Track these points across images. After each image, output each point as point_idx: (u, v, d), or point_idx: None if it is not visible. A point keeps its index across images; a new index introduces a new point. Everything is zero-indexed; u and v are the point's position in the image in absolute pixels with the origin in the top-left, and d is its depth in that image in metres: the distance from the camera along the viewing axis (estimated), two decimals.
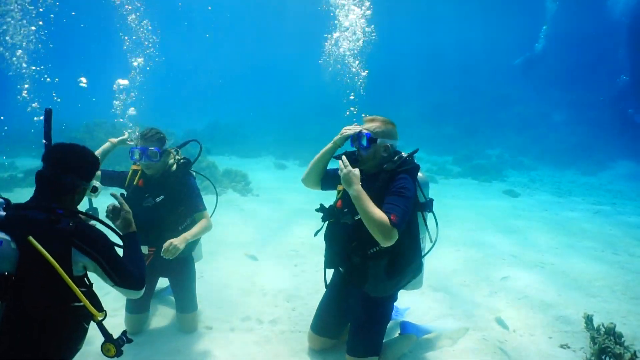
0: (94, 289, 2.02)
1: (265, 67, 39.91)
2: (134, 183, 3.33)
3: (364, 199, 2.52)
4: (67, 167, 1.98)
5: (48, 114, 2.16)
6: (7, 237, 1.70)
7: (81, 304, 1.84)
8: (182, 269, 3.53)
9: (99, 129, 12.49)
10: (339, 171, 2.66)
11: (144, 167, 3.28)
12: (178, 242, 3.04)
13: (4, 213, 1.77)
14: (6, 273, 1.67)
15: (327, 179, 3.10)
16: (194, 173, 3.62)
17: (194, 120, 24.65)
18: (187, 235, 3.18)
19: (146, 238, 3.29)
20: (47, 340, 1.82)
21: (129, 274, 2.02)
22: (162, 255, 3.00)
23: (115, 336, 2.02)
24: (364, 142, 2.77)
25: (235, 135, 20.11)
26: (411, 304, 4.17)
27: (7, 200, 1.85)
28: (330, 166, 3.09)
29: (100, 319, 1.97)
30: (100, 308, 1.98)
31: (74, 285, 1.77)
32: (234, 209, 8.25)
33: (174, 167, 3.41)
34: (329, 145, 3.00)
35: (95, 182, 2.19)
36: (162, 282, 3.85)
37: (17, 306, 1.73)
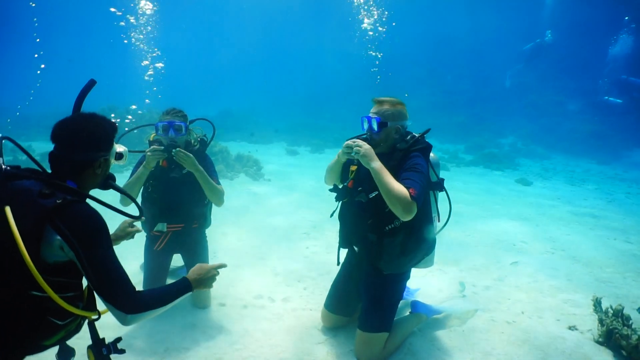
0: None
1: (277, 55, 39.81)
2: (159, 164, 3.35)
3: (385, 173, 2.56)
4: (77, 144, 1.75)
5: (90, 84, 1.97)
6: None
7: (44, 294, 1.57)
8: (195, 245, 3.64)
9: (113, 113, 12.69)
10: (353, 148, 2.69)
11: (169, 142, 3.30)
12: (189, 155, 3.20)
13: None
14: None
15: (343, 174, 3.14)
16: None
17: (206, 107, 24.78)
18: (200, 167, 3.27)
19: (176, 215, 3.43)
20: None
21: (116, 286, 1.66)
22: (172, 155, 3.17)
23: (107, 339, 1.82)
24: (375, 126, 2.80)
25: (247, 122, 20.19)
26: (422, 285, 4.23)
27: (11, 166, 1.71)
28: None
29: (94, 318, 1.81)
30: (91, 307, 1.81)
31: (35, 269, 1.51)
32: (246, 193, 8.36)
33: (197, 145, 3.50)
34: (334, 160, 3.00)
35: (119, 147, 1.98)
36: (177, 262, 3.95)
37: None
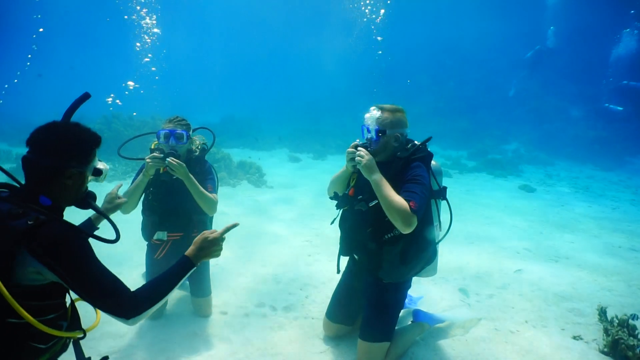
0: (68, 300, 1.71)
1: (279, 60, 39.99)
2: (159, 171, 3.36)
3: (385, 185, 2.56)
4: (49, 148, 1.63)
5: (83, 97, 1.86)
6: None
7: (22, 320, 1.47)
8: None
9: (117, 120, 12.77)
10: (355, 157, 2.70)
11: (169, 150, 3.29)
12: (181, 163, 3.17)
13: None
14: None
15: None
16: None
17: (209, 113, 24.88)
18: (190, 175, 3.22)
19: (175, 223, 3.42)
20: None
21: (110, 297, 1.59)
22: (166, 163, 3.14)
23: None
24: (374, 135, 2.79)
25: (250, 127, 20.23)
26: (424, 293, 4.20)
27: None
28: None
29: (79, 337, 1.73)
30: (75, 326, 1.72)
31: (9, 296, 1.41)
32: (248, 200, 8.35)
33: (197, 152, 3.51)
34: (343, 169, 2.98)
35: (100, 164, 1.83)
36: None
37: None
